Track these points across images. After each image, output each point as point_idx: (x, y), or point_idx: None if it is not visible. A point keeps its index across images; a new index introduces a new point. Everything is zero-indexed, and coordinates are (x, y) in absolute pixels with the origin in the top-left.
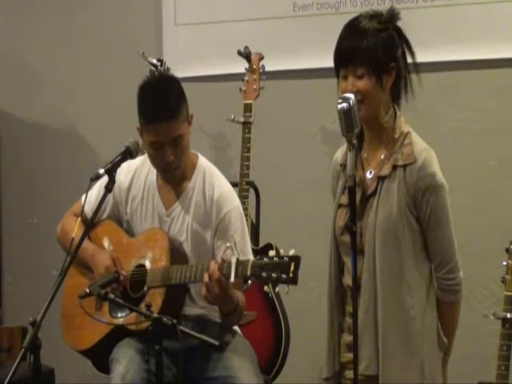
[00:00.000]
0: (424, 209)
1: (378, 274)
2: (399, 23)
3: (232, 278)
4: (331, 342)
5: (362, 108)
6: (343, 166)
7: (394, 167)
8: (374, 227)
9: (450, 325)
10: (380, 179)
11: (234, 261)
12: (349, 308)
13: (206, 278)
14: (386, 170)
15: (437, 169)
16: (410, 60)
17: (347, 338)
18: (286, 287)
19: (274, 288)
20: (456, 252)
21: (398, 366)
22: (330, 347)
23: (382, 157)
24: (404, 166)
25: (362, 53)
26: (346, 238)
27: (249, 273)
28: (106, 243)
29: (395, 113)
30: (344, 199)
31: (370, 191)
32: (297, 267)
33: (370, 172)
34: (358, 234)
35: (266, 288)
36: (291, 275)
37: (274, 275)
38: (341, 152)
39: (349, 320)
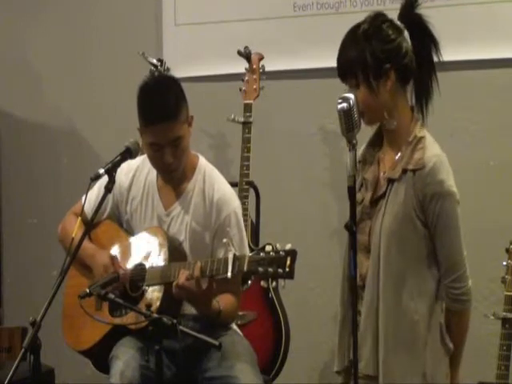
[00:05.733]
0: (431, 215)
1: (381, 276)
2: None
3: (229, 274)
4: (343, 337)
5: (364, 118)
6: (361, 162)
7: (404, 171)
8: (379, 229)
9: (458, 333)
10: (390, 181)
11: (230, 256)
12: (360, 306)
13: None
14: (396, 173)
15: (446, 176)
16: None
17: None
18: (283, 281)
19: (271, 283)
20: (464, 261)
21: (400, 368)
22: (341, 341)
23: (396, 159)
24: (414, 171)
25: (349, 65)
26: (359, 235)
27: (245, 268)
28: (105, 243)
29: (413, 117)
30: (359, 196)
31: (380, 192)
32: (293, 261)
33: (384, 173)
34: (367, 233)
35: (262, 283)
36: (287, 269)
37: (270, 270)
38: (362, 149)
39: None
